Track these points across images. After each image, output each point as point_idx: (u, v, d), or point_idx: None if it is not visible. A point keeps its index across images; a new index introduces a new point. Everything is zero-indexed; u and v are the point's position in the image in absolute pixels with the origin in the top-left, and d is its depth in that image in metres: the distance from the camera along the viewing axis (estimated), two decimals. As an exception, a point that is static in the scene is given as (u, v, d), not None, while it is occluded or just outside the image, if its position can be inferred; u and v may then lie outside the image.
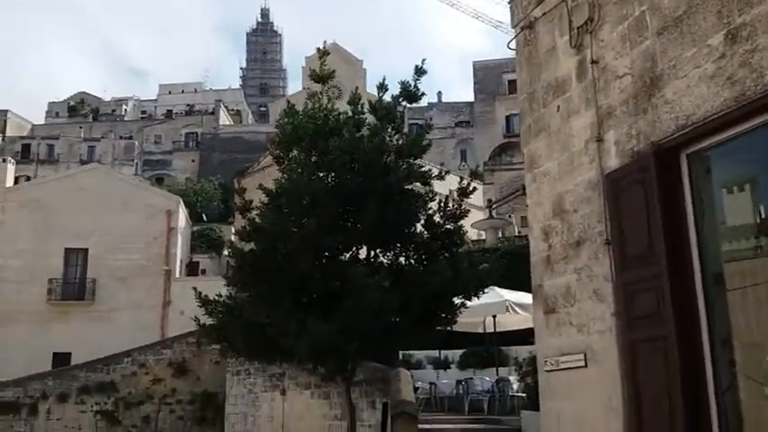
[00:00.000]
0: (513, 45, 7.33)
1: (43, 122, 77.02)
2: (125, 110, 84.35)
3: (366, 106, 10.56)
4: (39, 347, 28.40)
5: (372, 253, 10.64)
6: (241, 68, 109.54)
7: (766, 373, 4.78)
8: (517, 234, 29.90)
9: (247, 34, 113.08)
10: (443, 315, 10.78)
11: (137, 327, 28.98)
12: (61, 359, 27.82)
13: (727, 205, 5.16)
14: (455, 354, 20.66)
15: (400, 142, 10.33)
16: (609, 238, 5.66)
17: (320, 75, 10.24)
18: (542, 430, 6.38)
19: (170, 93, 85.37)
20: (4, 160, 33.65)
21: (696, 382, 4.79)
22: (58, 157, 63.77)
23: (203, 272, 38.48)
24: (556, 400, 6.27)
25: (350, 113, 10.44)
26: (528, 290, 17.51)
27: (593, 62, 5.99)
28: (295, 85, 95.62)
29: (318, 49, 10.21)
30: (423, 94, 10.26)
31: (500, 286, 16.25)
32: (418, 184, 10.76)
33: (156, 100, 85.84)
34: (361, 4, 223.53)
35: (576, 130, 6.20)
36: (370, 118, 10.74)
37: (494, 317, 17.99)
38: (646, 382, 5.10)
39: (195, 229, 42.68)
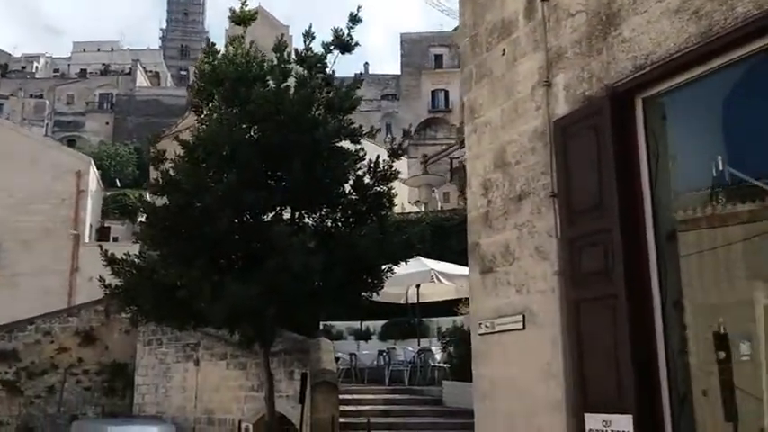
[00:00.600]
0: (455, -14, 6.79)
1: (-55, 76, 72.02)
2: (36, 67, 79.79)
3: (293, 56, 9.85)
4: (-67, 313, 26.44)
5: (297, 214, 10.02)
6: (161, 29, 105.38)
7: (718, 337, 4.48)
8: (440, 209, 30.00)
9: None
10: (369, 280, 10.30)
11: (42, 293, 27.33)
12: (-42, 326, 25.98)
13: (682, 156, 4.80)
14: (376, 325, 20.41)
15: (330, 95, 9.69)
16: (555, 190, 5.23)
17: (241, 16, 9.41)
18: (474, 398, 5.95)
19: (84, 51, 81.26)
20: None
21: (647, 344, 4.43)
22: (-40, 114, 59.64)
23: (115, 239, 36.73)
24: (489, 365, 5.85)
25: (275, 62, 9.71)
26: (451, 261, 17.36)
27: (543, 0, 5.53)
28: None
29: (235, -6, 9.40)
30: (356, 44, 9.62)
31: (425, 257, 15.96)
32: (348, 142, 10.19)
33: (69, 58, 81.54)
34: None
35: (523, 75, 5.73)
36: (297, 70, 10.05)
37: (417, 286, 17.71)
38: (591, 346, 4.72)
39: (108, 194, 40.74)
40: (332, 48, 9.70)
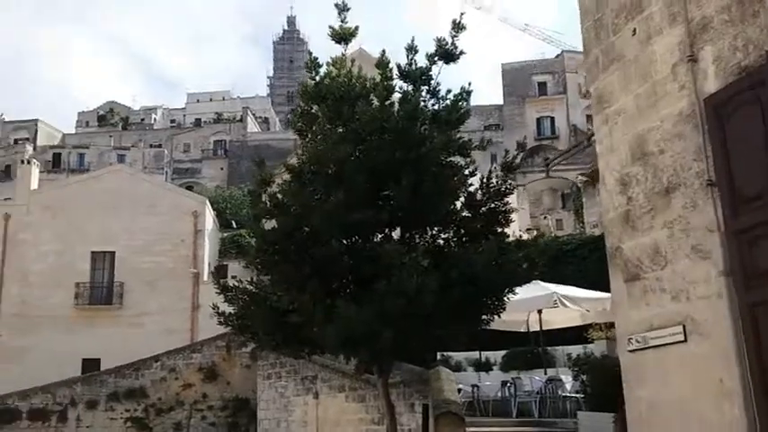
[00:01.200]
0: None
1: (74, 132, 77.42)
2: (154, 119, 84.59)
3: (395, 71, 9.43)
4: (67, 354, 27.75)
5: (408, 234, 9.52)
6: (268, 77, 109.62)
7: None
8: (553, 236, 28.77)
9: (274, 43, 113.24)
10: (489, 302, 9.60)
11: (166, 331, 28.22)
12: (90, 365, 27.15)
13: None
14: (497, 355, 19.49)
15: (436, 107, 9.18)
16: (712, 178, 4.47)
17: (341, 33, 9.06)
18: (629, 426, 5.16)
19: (198, 101, 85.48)
20: (28, 162, 33.00)
21: None
22: (89, 166, 63.55)
23: (233, 277, 37.59)
24: (645, 386, 5.06)
25: (377, 79, 9.33)
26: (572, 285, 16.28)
27: (681, -35, 4.84)
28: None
29: (336, 5, 9.06)
30: (461, 52, 9.08)
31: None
32: (457, 157, 9.64)
33: (184, 108, 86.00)
34: (387, 9, 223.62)
35: (660, 54, 5.03)
36: (401, 85, 9.63)
37: (539, 312, 16.71)
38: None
39: (225, 235, 42.03)
40: (435, 58, 9.21)
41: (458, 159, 9.68)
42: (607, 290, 17.50)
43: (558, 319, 16.88)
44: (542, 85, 65.36)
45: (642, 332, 5.03)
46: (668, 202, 4.89)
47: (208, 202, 34.30)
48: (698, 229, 4.61)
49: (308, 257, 8.31)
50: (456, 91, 9.42)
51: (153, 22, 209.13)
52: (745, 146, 4.21)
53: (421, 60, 9.29)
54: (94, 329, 29.15)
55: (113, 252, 30.65)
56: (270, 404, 19.87)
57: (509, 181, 9.93)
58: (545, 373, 16.06)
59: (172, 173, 69.32)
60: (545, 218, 41.72)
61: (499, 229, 9.85)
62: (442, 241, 9.68)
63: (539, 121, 64.03)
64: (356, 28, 9.12)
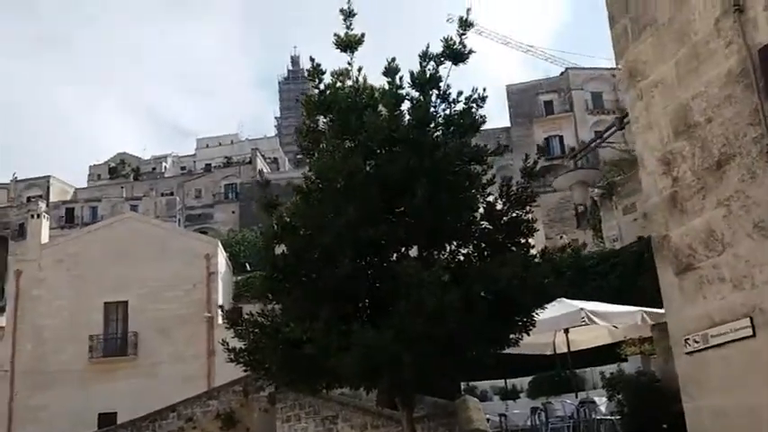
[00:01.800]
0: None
1: (85, 186, 77.85)
2: (164, 167, 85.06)
3: (406, 79, 8.91)
4: (83, 409, 27.11)
5: (425, 252, 8.90)
6: (275, 117, 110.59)
7: None
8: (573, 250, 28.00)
9: (279, 83, 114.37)
10: (517, 319, 8.92)
11: (182, 379, 27.50)
12: (106, 419, 26.40)
13: None
14: (523, 382, 18.64)
15: (448, 112, 8.64)
16: (774, 142, 3.86)
17: (346, 41, 8.56)
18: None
19: (207, 146, 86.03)
20: (38, 216, 32.75)
21: None
22: (102, 219, 63.73)
23: (248, 314, 36.86)
24: (708, 393, 4.36)
25: (386, 88, 8.81)
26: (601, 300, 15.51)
27: None
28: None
29: (342, 11, 8.58)
30: (470, 51, 8.55)
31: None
32: (474, 165, 9.06)
33: (194, 155, 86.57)
34: (389, 39, 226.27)
35: (699, 11, 4.45)
36: (411, 93, 9.10)
37: (566, 332, 15.92)
38: None
39: (240, 278, 41.50)
40: (443, 59, 8.67)
41: (474, 167, 9.12)
42: (630, 303, 16.59)
43: (586, 338, 16.11)
44: (548, 104, 65.16)
45: (701, 330, 4.35)
46: (721, 176, 4.26)
47: (220, 244, 33.79)
48: (760, 204, 3.97)
49: (320, 281, 7.70)
50: (467, 93, 8.86)
51: (157, 72, 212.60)
52: (813, 98, 3.61)
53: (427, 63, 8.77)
54: (110, 382, 28.53)
55: (126, 301, 30.18)
56: (291, 448, 19.07)
57: (529, 189, 9.32)
58: (576, 397, 15.24)
59: (184, 220, 69.29)
60: (561, 237, 41.03)
61: (522, 240, 9.22)
62: (462, 257, 9.05)
63: (547, 140, 63.74)
64: (362, 35, 8.63)
